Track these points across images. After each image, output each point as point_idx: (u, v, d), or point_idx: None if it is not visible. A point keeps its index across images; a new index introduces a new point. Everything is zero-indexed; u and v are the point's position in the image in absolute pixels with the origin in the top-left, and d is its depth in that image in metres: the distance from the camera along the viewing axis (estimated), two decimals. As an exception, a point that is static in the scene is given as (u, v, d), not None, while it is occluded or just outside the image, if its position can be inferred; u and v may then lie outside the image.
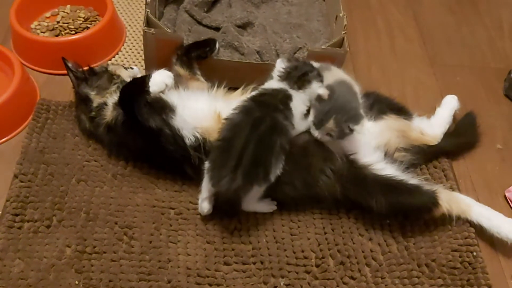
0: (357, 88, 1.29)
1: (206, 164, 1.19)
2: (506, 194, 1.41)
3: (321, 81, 1.27)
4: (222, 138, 1.18)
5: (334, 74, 1.31)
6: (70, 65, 1.42)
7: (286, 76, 1.26)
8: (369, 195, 1.23)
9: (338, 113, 1.19)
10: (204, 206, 1.24)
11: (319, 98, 1.22)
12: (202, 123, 1.26)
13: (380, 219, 1.30)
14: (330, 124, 1.20)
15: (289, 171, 1.22)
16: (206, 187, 1.21)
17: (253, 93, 1.27)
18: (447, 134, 1.45)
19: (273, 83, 1.27)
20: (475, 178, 1.45)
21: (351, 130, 1.20)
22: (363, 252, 1.26)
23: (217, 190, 1.19)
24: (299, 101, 1.24)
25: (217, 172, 1.15)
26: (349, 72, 1.68)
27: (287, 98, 1.23)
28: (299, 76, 1.25)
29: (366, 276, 1.22)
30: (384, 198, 1.22)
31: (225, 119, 1.22)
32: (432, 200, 1.24)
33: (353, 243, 1.27)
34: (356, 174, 1.25)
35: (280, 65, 1.28)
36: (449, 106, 1.49)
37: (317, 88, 1.24)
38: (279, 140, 1.17)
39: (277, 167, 1.18)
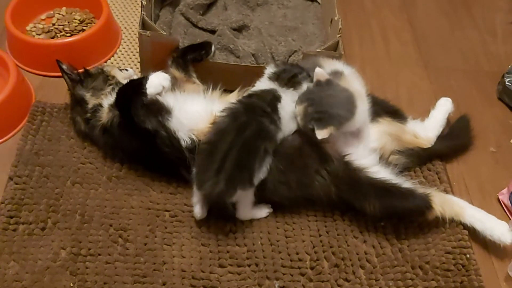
0: (360, 101, 1.23)
1: (194, 168, 1.20)
2: (499, 197, 1.41)
3: (311, 82, 1.26)
4: (207, 142, 1.19)
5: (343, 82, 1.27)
6: (64, 67, 1.42)
7: (276, 78, 1.27)
8: (363, 198, 1.24)
9: (311, 105, 1.18)
10: (197, 210, 1.25)
11: (316, 81, 1.21)
12: (198, 125, 1.27)
13: (374, 222, 1.31)
14: (300, 108, 1.20)
15: (285, 172, 1.22)
16: (195, 191, 1.22)
17: (243, 95, 1.28)
18: (441, 137, 1.45)
19: (263, 84, 1.28)
20: (469, 181, 1.46)
21: (312, 130, 1.17)
22: (357, 254, 1.26)
23: (201, 193, 1.19)
24: (289, 102, 1.24)
25: (201, 175, 1.16)
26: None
27: (276, 99, 1.24)
28: (289, 78, 1.25)
29: (361, 278, 1.22)
30: (378, 201, 1.23)
31: (212, 123, 1.22)
32: (426, 204, 1.24)
33: (348, 246, 1.27)
34: (351, 176, 1.25)
35: (269, 70, 1.29)
36: (443, 108, 1.50)
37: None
38: (264, 144, 1.18)
39: (260, 171, 1.18)
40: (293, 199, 1.29)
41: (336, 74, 1.29)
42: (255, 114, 1.20)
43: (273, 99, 1.23)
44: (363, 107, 1.24)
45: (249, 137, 1.17)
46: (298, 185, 1.25)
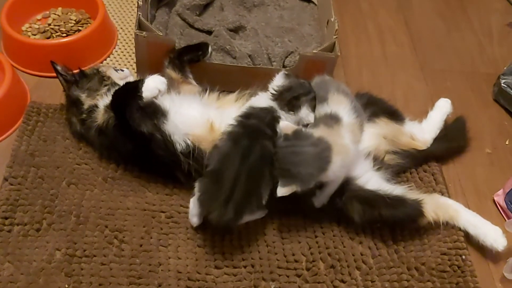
0: (338, 156, 1.14)
1: (196, 192, 1.18)
2: (495, 198, 1.42)
3: (314, 106, 1.24)
4: (212, 169, 1.17)
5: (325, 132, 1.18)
6: (59, 68, 1.42)
7: (278, 97, 1.25)
8: (351, 209, 1.24)
9: (277, 160, 1.15)
10: (194, 221, 1.24)
11: (283, 135, 1.17)
12: (194, 130, 1.26)
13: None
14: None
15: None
16: (195, 205, 1.21)
17: (241, 113, 1.24)
18: (437, 139, 1.45)
19: (263, 101, 1.26)
20: (465, 182, 1.46)
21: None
22: (353, 255, 1.26)
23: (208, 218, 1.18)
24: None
25: (208, 204, 1.16)
26: (340, 76, 1.70)
27: (275, 120, 1.22)
28: (290, 99, 1.24)
29: (357, 280, 1.22)
30: (367, 213, 1.23)
31: (214, 147, 1.21)
32: (417, 212, 1.24)
33: (344, 247, 1.27)
34: (341, 189, 1.24)
35: (277, 81, 1.27)
36: (442, 110, 1.49)
37: (306, 114, 1.22)
38: (269, 168, 1.17)
39: (267, 193, 1.17)
40: (287, 210, 1.30)
41: (332, 119, 1.21)
42: (257, 137, 1.19)
43: (271, 119, 1.22)
44: (341, 162, 1.15)
45: (254, 162, 1.16)
46: (292, 199, 1.22)
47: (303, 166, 1.12)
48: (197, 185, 1.19)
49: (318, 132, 1.17)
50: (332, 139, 1.16)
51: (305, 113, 1.23)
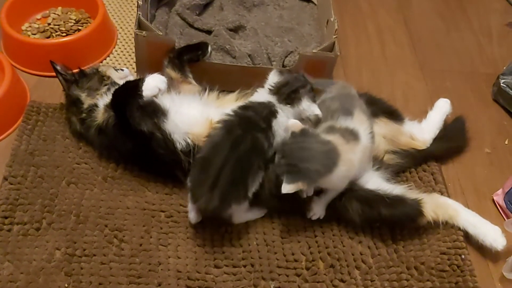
0: (344, 165, 1.13)
1: (188, 181, 1.19)
2: (494, 198, 1.42)
3: (313, 97, 1.25)
4: (202, 156, 1.18)
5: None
6: (58, 68, 1.42)
7: (276, 92, 1.25)
8: (351, 210, 1.24)
9: (283, 157, 1.13)
10: (192, 217, 1.24)
11: (291, 133, 1.16)
12: (194, 129, 1.26)
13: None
14: (276, 158, 1.16)
15: (277, 185, 1.19)
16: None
17: (239, 105, 1.25)
18: (437, 138, 1.45)
19: (262, 96, 1.26)
20: (464, 182, 1.46)
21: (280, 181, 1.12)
22: (353, 255, 1.26)
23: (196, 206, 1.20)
24: (285, 118, 1.23)
25: (196, 190, 1.16)
26: (340, 76, 1.70)
27: (271, 115, 1.22)
28: (289, 93, 1.24)
29: (356, 279, 1.22)
30: (366, 213, 1.23)
31: (207, 135, 1.22)
32: (416, 211, 1.24)
33: (343, 246, 1.28)
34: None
35: (272, 79, 1.27)
36: (441, 110, 1.50)
37: (308, 106, 1.22)
38: (257, 160, 1.17)
39: (254, 185, 1.18)
40: (285, 210, 1.30)
41: (352, 135, 1.18)
42: (251, 128, 1.19)
43: (268, 114, 1.22)
44: (345, 173, 1.15)
45: (243, 152, 1.16)
46: (290, 199, 1.22)
47: (311, 161, 1.11)
48: (189, 176, 1.20)
49: (330, 137, 1.16)
50: (343, 149, 1.15)
51: (307, 105, 1.23)
